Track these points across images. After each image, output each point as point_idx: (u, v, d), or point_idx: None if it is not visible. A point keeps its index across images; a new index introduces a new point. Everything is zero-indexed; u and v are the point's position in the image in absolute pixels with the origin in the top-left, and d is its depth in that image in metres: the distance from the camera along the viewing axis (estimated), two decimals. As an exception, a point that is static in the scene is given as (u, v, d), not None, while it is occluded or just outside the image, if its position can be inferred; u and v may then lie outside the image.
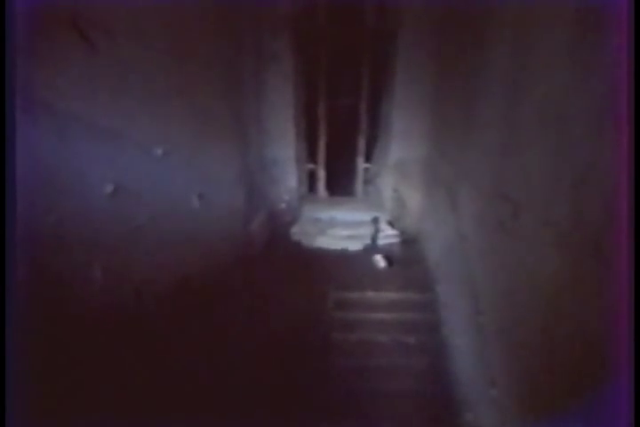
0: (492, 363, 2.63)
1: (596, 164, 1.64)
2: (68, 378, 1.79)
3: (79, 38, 1.77)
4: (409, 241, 5.11)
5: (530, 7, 2.17)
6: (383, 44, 4.83)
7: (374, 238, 4.91)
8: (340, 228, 5.20)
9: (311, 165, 5.84)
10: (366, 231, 5.05)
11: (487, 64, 2.85)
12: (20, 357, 1.49)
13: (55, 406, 1.67)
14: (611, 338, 1.49)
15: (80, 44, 1.80)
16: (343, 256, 4.97)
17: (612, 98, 1.52)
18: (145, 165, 2.47)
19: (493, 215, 2.69)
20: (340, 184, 6.10)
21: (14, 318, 1.45)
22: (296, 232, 5.17)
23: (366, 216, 5.32)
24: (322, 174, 5.92)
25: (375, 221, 5.00)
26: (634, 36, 1.41)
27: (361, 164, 5.88)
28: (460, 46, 3.60)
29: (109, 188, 2.11)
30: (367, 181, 6.01)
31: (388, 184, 5.44)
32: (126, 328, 2.23)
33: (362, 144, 5.71)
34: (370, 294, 4.34)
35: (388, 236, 4.98)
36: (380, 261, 4.76)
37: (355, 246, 5.05)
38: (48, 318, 1.69)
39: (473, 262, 3.13)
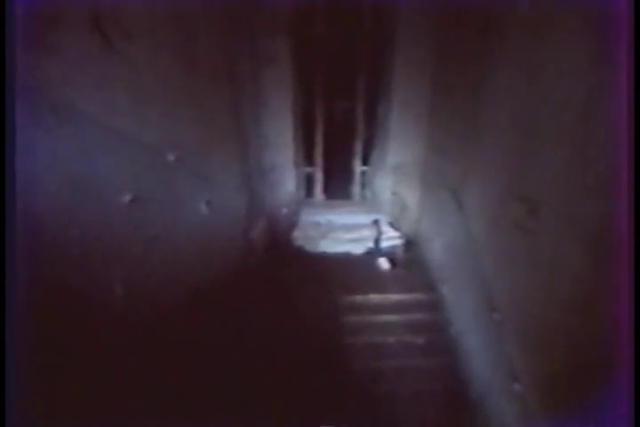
0: (513, 359, 2.67)
1: (622, 163, 1.69)
2: (90, 387, 1.71)
3: (100, 39, 1.70)
4: (411, 243, 5.14)
5: (544, 7, 2.23)
6: (380, 46, 4.88)
7: (377, 241, 4.92)
8: (342, 231, 5.19)
9: (309, 169, 5.81)
10: (368, 234, 5.06)
11: (494, 64, 2.91)
12: (38, 367, 1.41)
13: (69, 415, 1.59)
14: (634, 336, 1.54)
15: (100, 45, 1.73)
16: (347, 259, 4.95)
17: (635, 98, 1.58)
18: (159, 172, 2.39)
19: (508, 215, 2.74)
20: (338, 187, 6.10)
21: (34, 329, 1.38)
22: (298, 237, 5.12)
23: (365, 219, 5.33)
24: (319, 178, 5.90)
25: (376, 223, 5.02)
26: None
27: (358, 166, 5.90)
28: (461, 47, 3.67)
29: (127, 197, 2.03)
30: (364, 184, 6.03)
31: (385, 187, 5.48)
32: (143, 337, 2.14)
33: (359, 147, 5.73)
34: (376, 297, 4.33)
35: (390, 238, 5.01)
36: (383, 263, 4.78)
37: (357, 249, 5.05)
38: (68, 328, 1.61)
39: (484, 262, 3.17)
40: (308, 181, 5.93)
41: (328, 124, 5.58)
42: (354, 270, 4.72)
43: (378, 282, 4.54)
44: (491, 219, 3.07)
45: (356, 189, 6.08)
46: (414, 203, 5.33)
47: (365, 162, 5.89)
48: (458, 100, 3.82)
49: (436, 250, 4.55)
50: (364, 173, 5.97)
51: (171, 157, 2.49)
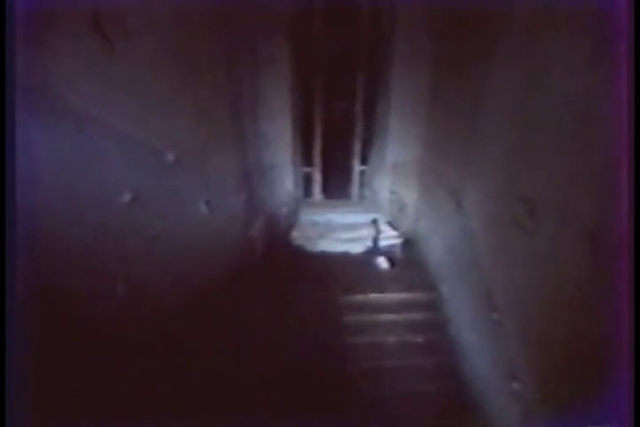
0: (512, 358, 2.68)
1: (621, 163, 1.71)
2: (91, 386, 1.71)
3: (100, 38, 1.69)
4: (409, 242, 5.16)
5: (543, 8, 2.24)
6: (379, 46, 4.89)
7: (376, 240, 4.92)
8: (341, 231, 5.19)
9: (307, 168, 5.81)
10: (367, 233, 5.06)
11: (493, 64, 2.92)
12: (38, 367, 1.41)
13: (70, 415, 1.59)
14: (634, 334, 1.55)
15: (100, 45, 1.72)
16: (345, 259, 4.96)
17: (633, 100, 1.59)
18: (158, 172, 2.38)
19: (506, 214, 2.75)
20: (336, 187, 6.11)
21: (34, 328, 1.37)
22: (297, 236, 5.12)
23: (363, 218, 5.34)
24: (318, 177, 5.91)
25: (375, 222, 5.03)
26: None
27: (357, 166, 5.91)
28: (460, 46, 3.68)
29: (127, 196, 2.02)
30: (363, 184, 6.04)
31: (384, 186, 5.49)
32: (143, 336, 2.14)
33: (357, 146, 5.74)
34: (375, 296, 4.34)
35: (388, 237, 5.01)
36: (382, 262, 4.78)
37: (356, 249, 5.06)
38: (68, 328, 1.60)
39: (483, 261, 3.18)
40: (307, 181, 5.94)
41: (327, 123, 5.58)
42: (353, 270, 4.73)
43: (377, 281, 4.55)
44: (489, 218, 3.08)
45: (354, 188, 6.09)
46: (413, 202, 5.35)
47: (364, 161, 5.90)
48: (456, 99, 3.83)
49: (435, 249, 4.57)
50: (362, 173, 5.98)
51: (170, 157, 2.48)
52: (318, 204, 5.91)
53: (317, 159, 5.78)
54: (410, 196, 5.32)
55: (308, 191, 5.98)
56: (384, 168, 5.33)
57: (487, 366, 3.14)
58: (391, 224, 5.28)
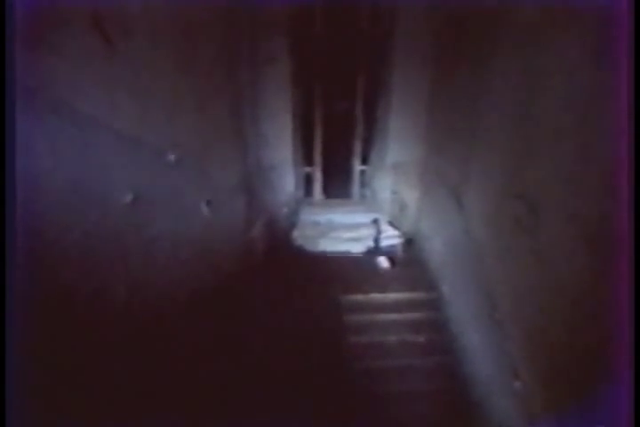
0: (514, 357, 2.68)
1: (622, 162, 1.70)
2: (92, 388, 1.72)
3: (101, 38, 1.69)
4: (410, 241, 5.16)
5: (543, 8, 2.24)
6: (379, 46, 4.88)
7: (376, 240, 4.93)
8: (342, 230, 5.19)
9: (308, 168, 5.82)
10: (367, 233, 5.07)
11: (494, 64, 2.92)
12: (39, 369, 1.41)
13: (70, 416, 1.59)
14: (634, 334, 1.55)
15: (101, 45, 1.72)
16: (346, 259, 4.96)
17: (633, 100, 1.59)
18: (159, 172, 2.39)
19: (508, 214, 2.75)
20: (337, 186, 6.11)
21: (35, 330, 1.38)
22: (297, 236, 5.12)
23: (364, 218, 5.35)
24: (318, 177, 5.91)
25: (376, 222, 5.03)
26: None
27: (357, 166, 5.91)
28: (461, 46, 3.68)
29: (128, 196, 2.02)
30: (364, 183, 6.04)
31: (385, 186, 5.49)
32: (145, 338, 2.14)
33: (358, 146, 5.74)
34: (376, 296, 4.35)
35: (389, 237, 5.02)
36: (383, 262, 4.79)
37: (357, 248, 5.06)
38: (69, 330, 1.61)
39: (484, 260, 3.18)
40: (308, 181, 5.94)
41: (327, 123, 5.58)
42: (353, 269, 4.73)
43: (378, 281, 4.55)
44: (491, 217, 3.08)
45: (355, 188, 6.09)
46: (414, 202, 5.34)
47: (365, 161, 5.90)
48: (457, 99, 3.83)
49: (436, 249, 4.56)
50: (363, 173, 5.98)
51: (171, 157, 2.49)
52: (319, 203, 5.92)
53: (318, 159, 5.78)
54: (411, 195, 5.32)
55: (308, 191, 5.98)
56: (385, 168, 5.33)
57: (489, 366, 3.14)
58: (392, 224, 5.28)
